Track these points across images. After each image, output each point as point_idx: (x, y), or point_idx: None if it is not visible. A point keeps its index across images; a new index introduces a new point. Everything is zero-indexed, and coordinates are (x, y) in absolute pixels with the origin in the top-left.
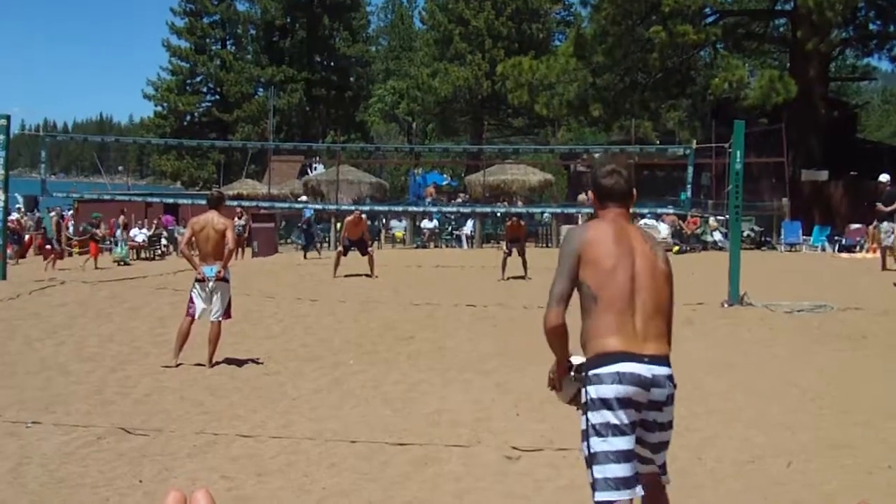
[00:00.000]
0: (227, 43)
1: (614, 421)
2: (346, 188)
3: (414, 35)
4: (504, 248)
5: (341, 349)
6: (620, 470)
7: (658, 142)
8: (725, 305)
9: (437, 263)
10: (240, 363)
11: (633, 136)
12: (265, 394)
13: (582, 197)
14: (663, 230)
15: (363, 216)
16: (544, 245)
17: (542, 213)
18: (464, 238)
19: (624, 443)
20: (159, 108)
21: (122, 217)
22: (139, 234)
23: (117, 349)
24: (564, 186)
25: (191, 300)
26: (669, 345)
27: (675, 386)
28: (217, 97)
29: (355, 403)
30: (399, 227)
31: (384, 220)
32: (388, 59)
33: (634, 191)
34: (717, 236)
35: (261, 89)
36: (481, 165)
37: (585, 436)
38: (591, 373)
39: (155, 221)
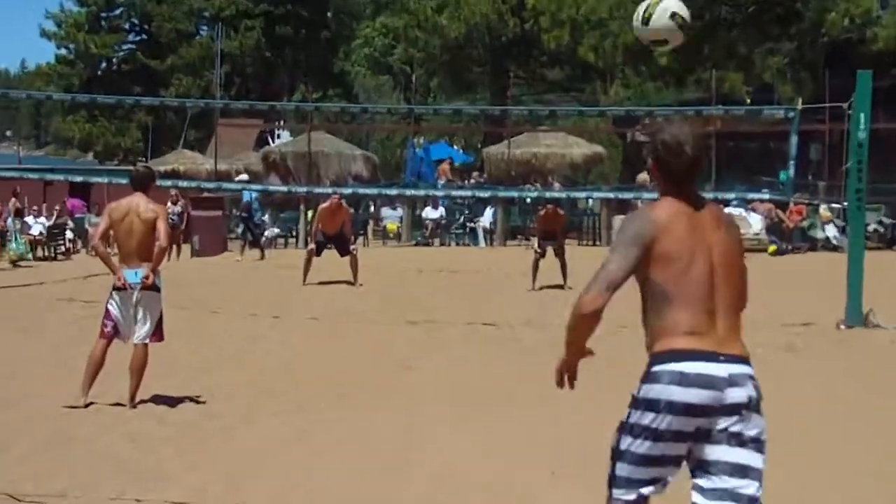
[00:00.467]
0: None
1: (658, 426)
2: (320, 163)
3: None
4: (535, 246)
5: (311, 382)
6: (638, 472)
7: (749, 101)
8: (842, 327)
9: (443, 266)
10: (172, 402)
11: (715, 92)
12: (206, 445)
13: (643, 177)
14: (755, 223)
15: (343, 202)
16: (590, 242)
17: (588, 198)
18: (480, 232)
19: (654, 450)
20: (63, 52)
21: (12, 201)
22: (35, 225)
23: (2, 385)
24: (618, 163)
25: (107, 315)
26: (745, 345)
27: (759, 390)
28: (144, 37)
29: (329, 459)
30: (393, 218)
31: (373, 208)
32: None
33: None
34: (832, 231)
35: (204, 27)
36: (505, 134)
37: (620, 430)
38: (654, 367)
39: (57, 207)
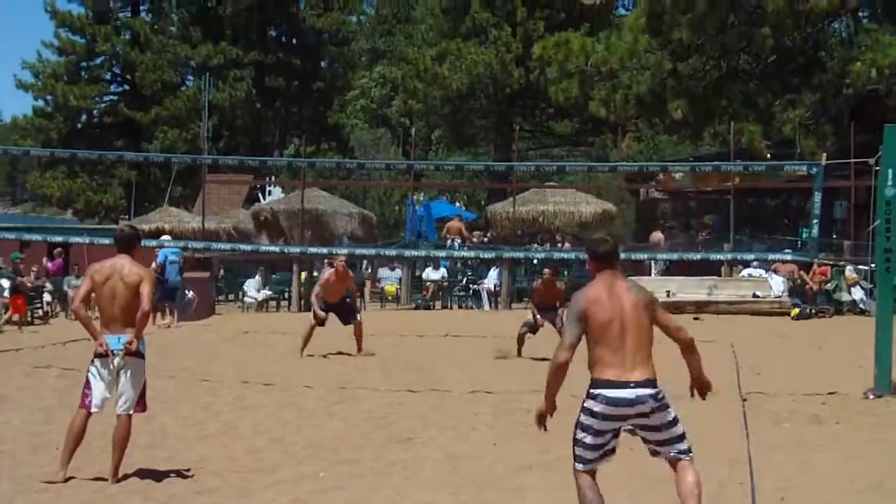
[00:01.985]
0: (142, 8)
1: (595, 426)
2: (314, 222)
3: (414, 0)
4: (531, 311)
5: (307, 456)
6: (588, 454)
7: (769, 156)
8: (870, 397)
9: (445, 331)
10: (158, 476)
11: (733, 147)
12: None
13: (657, 236)
14: (776, 284)
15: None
16: None
17: None
18: (484, 295)
19: (596, 440)
20: (41, 103)
21: None
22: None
23: None
24: (632, 221)
25: (87, 385)
26: (653, 369)
27: (658, 400)
28: (126, 88)
29: None
30: (391, 279)
31: (370, 269)
32: (376, 34)
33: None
34: (858, 294)
35: (190, 77)
36: (510, 190)
37: (575, 425)
38: (591, 389)
39: (34, 268)
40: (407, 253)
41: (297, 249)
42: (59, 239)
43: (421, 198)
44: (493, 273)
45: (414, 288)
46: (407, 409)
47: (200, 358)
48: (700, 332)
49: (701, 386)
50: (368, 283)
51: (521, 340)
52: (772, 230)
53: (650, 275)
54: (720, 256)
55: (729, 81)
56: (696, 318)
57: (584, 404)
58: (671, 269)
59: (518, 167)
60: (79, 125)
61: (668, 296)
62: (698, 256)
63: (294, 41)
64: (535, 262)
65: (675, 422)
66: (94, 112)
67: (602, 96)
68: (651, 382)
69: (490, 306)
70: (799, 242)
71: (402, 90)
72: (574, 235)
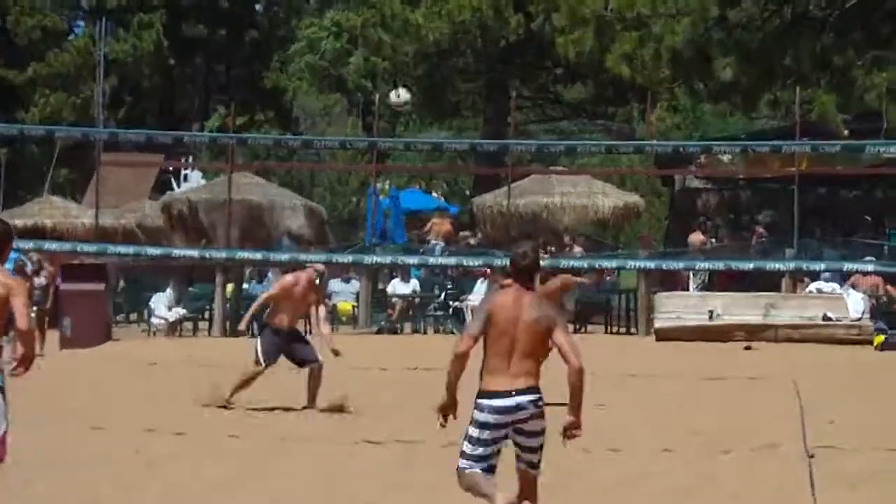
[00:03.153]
0: None
1: (478, 436)
2: (245, 218)
3: None
4: None
5: None
6: (473, 457)
7: (846, 133)
8: None
9: (416, 363)
10: None
11: (798, 120)
12: None
13: (697, 238)
14: (854, 303)
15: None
16: (622, 328)
17: (620, 268)
18: (468, 314)
19: (480, 450)
20: None
21: None
22: None
23: None
24: (662, 217)
25: None
26: (537, 377)
27: (538, 406)
28: None
29: None
30: (346, 295)
31: (318, 281)
32: None
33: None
34: None
35: (80, 24)
36: (504, 176)
37: (463, 434)
38: (477, 399)
39: None
40: (367, 259)
41: (221, 254)
42: None
43: (387, 186)
44: (481, 286)
45: (376, 306)
46: (363, 465)
47: (91, 398)
48: (753, 366)
49: (571, 424)
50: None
51: None
52: (850, 231)
53: (687, 289)
54: (780, 265)
55: (795, 32)
56: (747, 348)
57: (473, 415)
58: (715, 281)
59: (515, 146)
60: None
61: (710, 317)
62: (751, 265)
63: None
64: None
65: (543, 433)
66: None
67: (626, 51)
68: (532, 389)
69: None
70: (885, 248)
71: (361, 43)
72: (588, 237)
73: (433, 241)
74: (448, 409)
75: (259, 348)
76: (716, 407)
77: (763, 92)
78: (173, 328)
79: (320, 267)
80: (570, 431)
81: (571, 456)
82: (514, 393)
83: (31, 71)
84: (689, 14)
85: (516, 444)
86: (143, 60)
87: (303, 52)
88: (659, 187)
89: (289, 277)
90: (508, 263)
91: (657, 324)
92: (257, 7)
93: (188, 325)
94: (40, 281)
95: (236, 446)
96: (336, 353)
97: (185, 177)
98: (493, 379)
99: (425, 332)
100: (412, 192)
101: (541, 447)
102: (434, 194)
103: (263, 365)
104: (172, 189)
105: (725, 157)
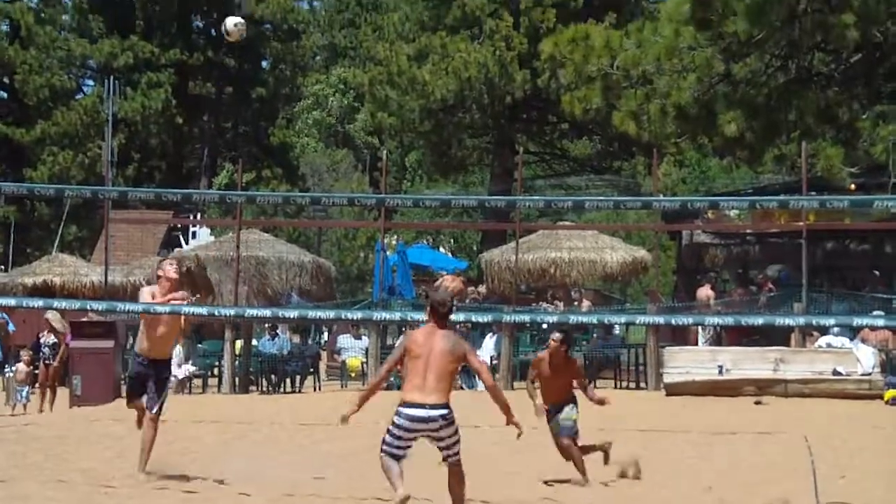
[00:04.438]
0: None
1: (397, 434)
2: (253, 274)
3: None
4: (536, 412)
5: None
6: (391, 449)
7: (853, 187)
8: None
9: None
10: None
11: (805, 174)
12: None
13: (705, 293)
14: (864, 357)
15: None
16: (631, 383)
17: (628, 324)
18: None
19: (397, 446)
20: None
21: None
22: None
23: None
24: (669, 271)
25: None
26: (447, 395)
27: (446, 419)
28: (3, 95)
29: None
30: (355, 351)
31: (326, 336)
32: (335, 26)
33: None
34: None
35: (89, 82)
36: (512, 232)
37: (386, 430)
38: (398, 407)
39: None
40: (376, 315)
41: (230, 311)
42: None
43: (394, 242)
44: (490, 341)
45: (385, 361)
46: None
47: (100, 457)
48: (764, 421)
49: (513, 423)
50: (325, 355)
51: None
52: (858, 285)
53: (696, 343)
54: (789, 321)
55: (799, 87)
56: (757, 403)
57: (393, 419)
58: (724, 336)
59: (522, 202)
60: None
61: (720, 372)
62: (760, 320)
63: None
64: (546, 326)
65: (456, 435)
66: None
67: (632, 107)
68: (442, 406)
69: None
70: (894, 302)
71: (368, 100)
72: (597, 291)
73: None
74: (350, 414)
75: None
76: (727, 462)
77: (768, 146)
78: (183, 385)
79: (174, 262)
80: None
81: None
82: (427, 406)
83: (39, 129)
84: (695, 70)
85: (439, 448)
86: (151, 119)
87: (309, 108)
88: (666, 241)
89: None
90: (428, 306)
91: (667, 378)
92: (263, 65)
93: (198, 381)
94: (50, 339)
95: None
96: None
97: (194, 234)
98: (412, 393)
99: None
100: (419, 248)
101: (457, 445)
102: (441, 249)
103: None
104: (181, 246)
105: (732, 212)
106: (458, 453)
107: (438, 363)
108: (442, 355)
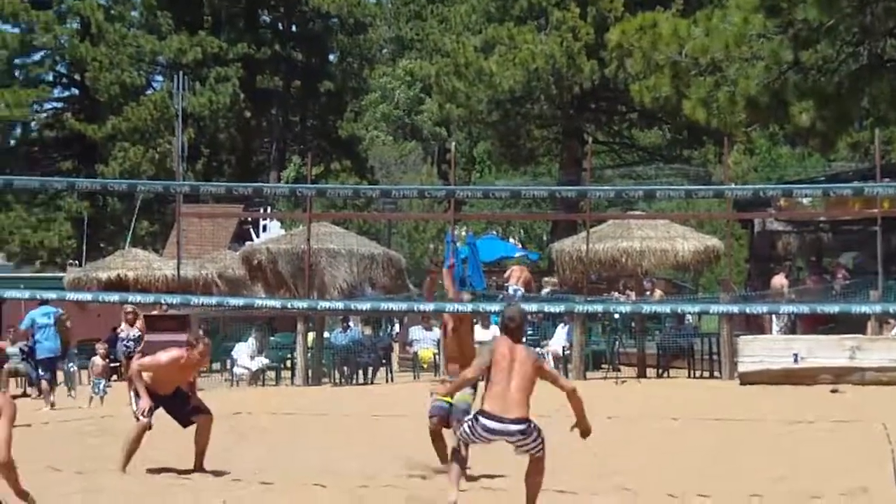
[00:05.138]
0: None
1: (472, 433)
2: (324, 266)
3: None
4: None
5: None
6: (467, 438)
7: None
8: None
9: None
10: None
11: (879, 161)
12: None
13: (779, 282)
14: None
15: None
16: (705, 372)
17: (701, 313)
18: (550, 360)
19: (473, 439)
20: None
21: None
22: None
23: None
24: (741, 259)
25: None
26: (527, 408)
27: (524, 433)
28: (74, 92)
29: None
30: (427, 342)
31: (398, 328)
32: (401, 18)
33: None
34: None
35: (158, 78)
36: (582, 222)
37: (469, 418)
38: (478, 414)
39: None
40: (448, 307)
41: (302, 304)
42: None
43: (464, 233)
44: (561, 332)
45: (473, 366)
46: None
47: (176, 450)
48: (841, 409)
49: (584, 429)
50: (397, 347)
51: None
52: None
53: (770, 332)
54: (865, 308)
55: (871, 74)
56: (833, 391)
57: (472, 419)
58: (798, 324)
59: (593, 192)
60: (12, 142)
61: (795, 360)
62: (836, 308)
63: (294, 29)
64: (617, 316)
65: (535, 441)
66: (33, 124)
67: (701, 96)
68: (522, 420)
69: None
70: None
71: (435, 91)
72: (668, 280)
73: (513, 288)
74: (451, 390)
75: (137, 408)
76: (804, 451)
77: (840, 134)
78: (256, 378)
79: (202, 340)
80: (586, 434)
81: (659, 501)
82: (507, 420)
83: (110, 125)
84: (764, 58)
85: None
86: (219, 113)
87: (376, 101)
88: (738, 230)
89: (169, 355)
90: (502, 326)
91: (741, 367)
92: (331, 58)
93: (270, 374)
94: (134, 332)
95: (321, 495)
96: None
97: (264, 227)
98: (490, 402)
99: None
100: (489, 239)
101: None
102: (511, 240)
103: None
104: (251, 239)
105: (805, 200)
106: (541, 450)
107: (520, 374)
108: (523, 366)
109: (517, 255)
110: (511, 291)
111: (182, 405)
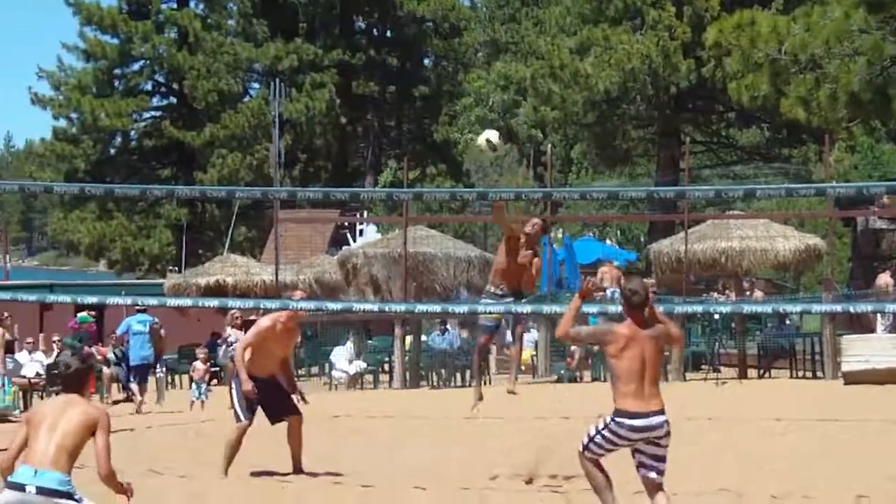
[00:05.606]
0: None
1: (612, 441)
2: (422, 270)
3: None
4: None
5: None
6: (595, 454)
7: None
8: None
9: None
10: None
11: None
12: None
13: (884, 280)
14: None
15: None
16: (807, 373)
17: (803, 312)
18: None
19: (603, 452)
20: (62, 123)
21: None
22: (30, 362)
23: None
24: (844, 258)
25: None
26: (661, 399)
27: (668, 425)
28: (173, 101)
29: None
30: (525, 343)
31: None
32: (495, 22)
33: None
34: None
35: (255, 85)
36: (680, 222)
37: (594, 434)
38: (615, 418)
39: (55, 339)
40: (546, 308)
41: (400, 307)
42: (91, 300)
43: (560, 235)
44: None
45: (555, 354)
46: None
47: (278, 453)
48: None
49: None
50: (495, 349)
51: None
52: None
53: (875, 331)
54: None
55: None
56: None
57: (609, 425)
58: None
59: (691, 192)
60: (112, 151)
61: None
62: None
63: (388, 34)
64: (717, 317)
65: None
66: (132, 133)
67: (801, 93)
68: (664, 412)
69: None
70: None
71: (531, 94)
72: (769, 280)
73: (609, 288)
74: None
75: (236, 407)
76: None
77: None
78: (354, 381)
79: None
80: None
81: (763, 503)
82: (650, 414)
83: (208, 133)
84: (866, 54)
85: (643, 454)
86: (315, 119)
87: (471, 105)
88: (840, 228)
89: (262, 323)
90: (623, 301)
91: (845, 367)
92: (426, 63)
93: (369, 377)
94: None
95: (420, 498)
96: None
97: (361, 231)
98: (626, 401)
99: (604, 380)
100: (586, 241)
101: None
102: (608, 242)
103: (245, 422)
104: (349, 243)
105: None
106: (664, 471)
107: (652, 365)
108: (654, 356)
109: (619, 258)
110: (608, 294)
111: (277, 398)
